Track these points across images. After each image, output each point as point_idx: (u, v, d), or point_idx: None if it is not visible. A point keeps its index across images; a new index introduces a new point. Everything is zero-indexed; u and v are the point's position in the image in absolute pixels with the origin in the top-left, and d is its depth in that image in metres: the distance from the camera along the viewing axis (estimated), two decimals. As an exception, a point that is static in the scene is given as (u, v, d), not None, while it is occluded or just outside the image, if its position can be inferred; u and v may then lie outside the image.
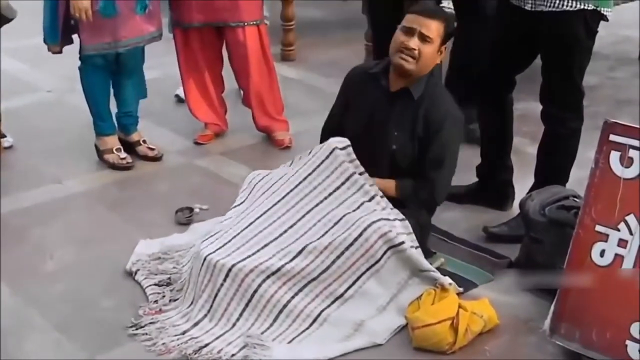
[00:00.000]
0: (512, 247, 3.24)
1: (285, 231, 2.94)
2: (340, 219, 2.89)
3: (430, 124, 3.05)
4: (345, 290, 2.83)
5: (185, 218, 3.55)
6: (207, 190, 3.86)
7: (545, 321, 2.73)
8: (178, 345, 2.72)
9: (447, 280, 2.91)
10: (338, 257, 2.82)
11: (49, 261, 3.26)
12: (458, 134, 3.14)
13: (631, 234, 2.56)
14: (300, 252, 2.83)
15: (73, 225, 3.56)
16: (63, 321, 2.88)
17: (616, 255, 2.59)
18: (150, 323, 2.83)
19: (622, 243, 2.58)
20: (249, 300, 2.78)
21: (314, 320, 2.80)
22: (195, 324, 2.80)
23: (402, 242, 2.84)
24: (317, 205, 2.98)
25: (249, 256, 2.85)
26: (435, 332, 2.69)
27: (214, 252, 2.87)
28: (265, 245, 2.89)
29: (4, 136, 4.33)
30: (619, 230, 2.59)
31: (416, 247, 2.93)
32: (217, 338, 2.75)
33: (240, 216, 3.07)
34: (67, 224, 3.57)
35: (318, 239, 2.86)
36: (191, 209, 3.59)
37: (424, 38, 3.00)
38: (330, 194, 3.00)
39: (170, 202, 3.67)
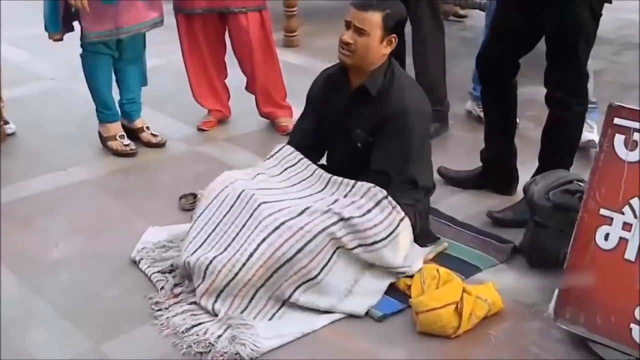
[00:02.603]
0: (516, 231, 3.24)
1: (256, 211, 2.92)
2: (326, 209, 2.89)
3: (388, 119, 2.99)
4: (318, 274, 2.81)
5: (189, 204, 3.55)
6: (210, 177, 3.80)
7: (549, 305, 2.73)
8: (183, 320, 2.77)
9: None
10: (310, 240, 2.78)
11: (55, 250, 3.26)
12: (417, 126, 3.03)
13: (635, 217, 2.56)
14: (276, 229, 2.80)
15: (78, 214, 3.56)
16: (69, 310, 2.89)
17: (620, 238, 2.58)
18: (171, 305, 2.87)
19: (626, 226, 2.58)
20: (222, 290, 2.80)
21: (286, 301, 2.82)
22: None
23: (375, 242, 2.85)
24: (299, 198, 3.00)
25: (226, 248, 2.86)
26: (440, 316, 2.69)
27: (192, 253, 2.91)
28: (242, 228, 2.89)
29: (7, 122, 4.33)
30: (623, 213, 2.59)
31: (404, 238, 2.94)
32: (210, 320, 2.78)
33: (214, 210, 3.06)
34: (71, 212, 3.58)
35: (293, 217, 2.84)
36: (195, 195, 3.59)
37: (358, 30, 2.97)
38: (313, 194, 3.04)
39: (174, 189, 3.67)
